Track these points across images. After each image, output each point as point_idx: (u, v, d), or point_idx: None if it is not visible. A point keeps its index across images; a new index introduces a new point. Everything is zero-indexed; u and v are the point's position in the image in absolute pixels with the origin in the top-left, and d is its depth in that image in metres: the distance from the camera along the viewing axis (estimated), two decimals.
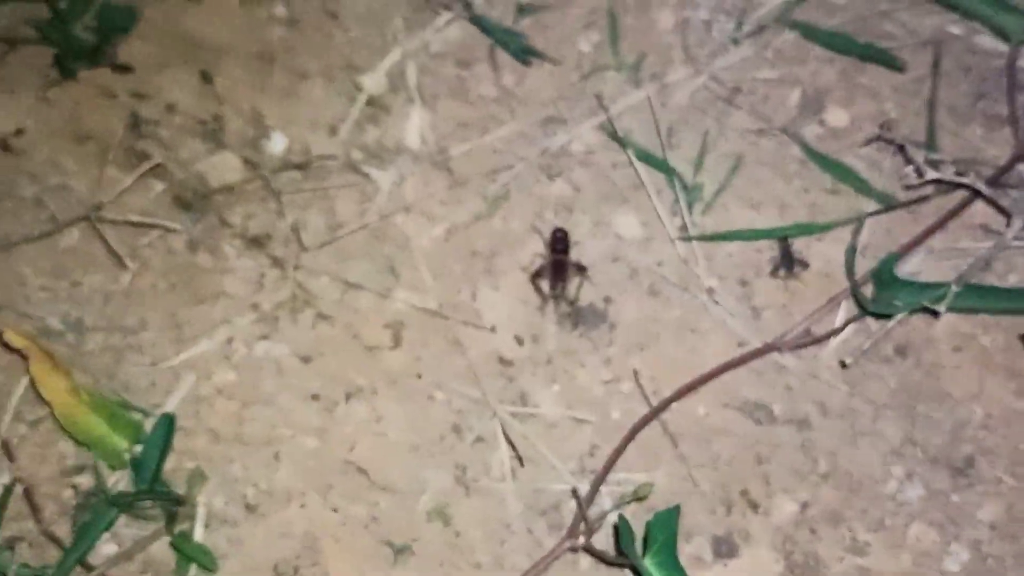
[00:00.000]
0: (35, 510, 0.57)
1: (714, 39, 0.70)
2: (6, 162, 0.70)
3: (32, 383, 0.58)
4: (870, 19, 0.71)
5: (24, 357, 0.57)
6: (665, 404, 0.59)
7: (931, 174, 0.57)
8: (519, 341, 0.61)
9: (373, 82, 0.70)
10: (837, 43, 0.66)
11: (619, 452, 0.56)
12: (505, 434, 0.58)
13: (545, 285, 0.62)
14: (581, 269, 0.63)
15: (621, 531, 0.48)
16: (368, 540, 0.57)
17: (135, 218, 0.65)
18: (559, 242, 0.63)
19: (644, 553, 0.48)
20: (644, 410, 0.59)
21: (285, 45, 0.73)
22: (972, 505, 0.57)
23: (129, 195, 0.67)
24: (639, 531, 0.54)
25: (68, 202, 0.68)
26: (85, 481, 0.58)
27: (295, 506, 0.58)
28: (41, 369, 0.56)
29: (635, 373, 0.59)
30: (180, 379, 0.61)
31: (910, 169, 0.59)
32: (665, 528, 0.47)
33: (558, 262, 0.62)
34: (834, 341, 0.61)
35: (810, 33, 0.67)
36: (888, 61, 0.65)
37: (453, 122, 0.69)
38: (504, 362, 0.61)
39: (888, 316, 0.59)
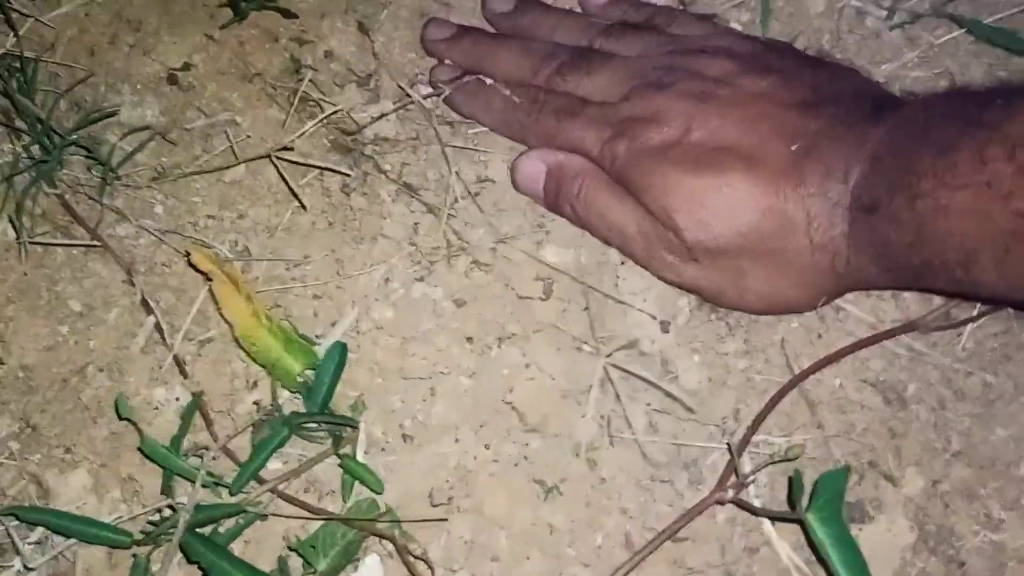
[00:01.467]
0: (209, 424, 0.61)
1: (866, 27, 0.72)
2: (175, 95, 0.74)
3: (214, 302, 0.62)
4: (1017, 16, 0.72)
5: (208, 279, 0.61)
6: (805, 374, 0.61)
7: None
8: (660, 322, 0.64)
9: None
10: (997, 37, 0.68)
11: (764, 414, 0.59)
12: (653, 386, 0.61)
13: None
14: None
15: (794, 483, 0.51)
16: (519, 477, 0.60)
17: (312, 161, 0.68)
18: None
19: (808, 508, 0.51)
20: (784, 378, 0.62)
21: (441, 2, 0.75)
22: None
23: (288, 136, 0.70)
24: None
25: (235, 138, 0.71)
26: (259, 399, 0.62)
27: (449, 440, 0.61)
28: (225, 291, 0.59)
29: (782, 342, 0.61)
30: (342, 312, 0.65)
31: None
32: (832, 486, 0.50)
33: None
34: (971, 327, 0.63)
35: (968, 25, 0.69)
36: None
37: None
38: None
39: None
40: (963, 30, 0.71)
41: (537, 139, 0.65)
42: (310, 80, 0.72)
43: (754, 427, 0.58)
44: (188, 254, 0.61)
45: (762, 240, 0.56)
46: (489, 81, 0.67)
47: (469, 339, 0.64)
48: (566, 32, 0.67)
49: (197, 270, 0.61)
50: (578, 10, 0.71)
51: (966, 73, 0.70)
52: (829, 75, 0.61)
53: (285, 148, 0.66)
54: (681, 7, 0.71)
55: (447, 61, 0.71)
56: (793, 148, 0.54)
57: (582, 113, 0.62)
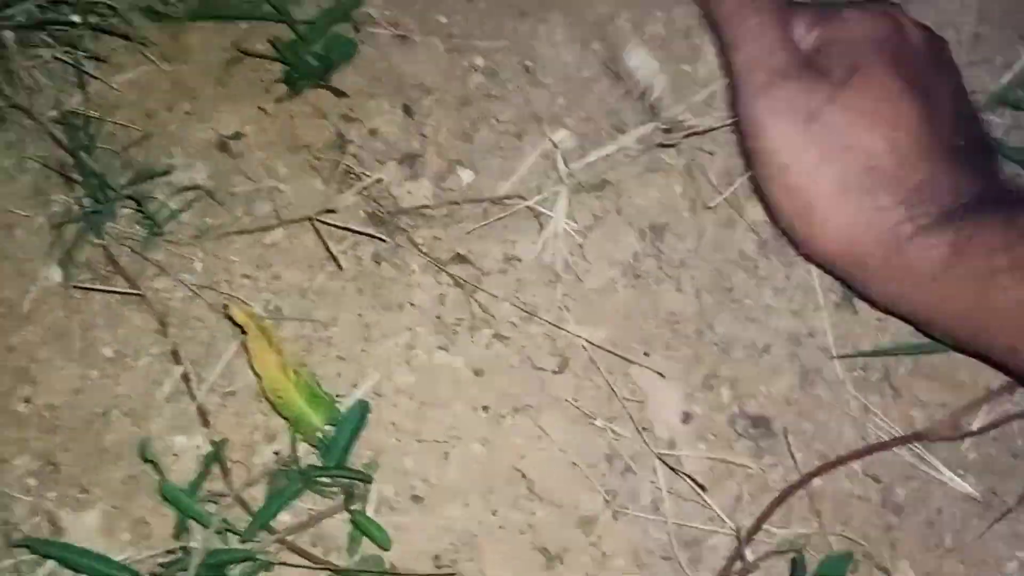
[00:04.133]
0: (225, 473, 0.63)
1: None
2: (224, 161, 0.78)
3: (246, 354, 0.65)
4: None
5: (243, 331, 0.64)
6: (812, 475, 0.62)
7: None
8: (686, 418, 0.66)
9: (562, 136, 0.77)
10: None
11: (773, 507, 0.60)
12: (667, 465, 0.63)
13: None
14: None
15: (796, 567, 0.52)
16: (523, 545, 0.62)
17: (353, 226, 0.72)
18: None
19: None
20: (789, 466, 0.63)
21: (482, 92, 0.80)
22: None
23: (328, 203, 0.74)
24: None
25: (278, 204, 0.75)
26: (278, 450, 0.64)
27: (459, 504, 0.63)
28: (258, 344, 0.62)
29: (786, 439, 0.62)
30: (365, 374, 0.67)
31: None
32: (834, 573, 0.51)
33: None
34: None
35: None
36: None
37: None
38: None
39: None
40: None
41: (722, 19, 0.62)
42: (352, 154, 0.77)
43: (764, 516, 0.60)
44: (226, 307, 0.64)
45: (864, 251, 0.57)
46: None
47: (485, 408, 0.66)
48: None
49: (233, 323, 0.64)
50: None
51: None
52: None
53: (328, 211, 0.70)
54: None
55: None
56: (917, 180, 0.55)
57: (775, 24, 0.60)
